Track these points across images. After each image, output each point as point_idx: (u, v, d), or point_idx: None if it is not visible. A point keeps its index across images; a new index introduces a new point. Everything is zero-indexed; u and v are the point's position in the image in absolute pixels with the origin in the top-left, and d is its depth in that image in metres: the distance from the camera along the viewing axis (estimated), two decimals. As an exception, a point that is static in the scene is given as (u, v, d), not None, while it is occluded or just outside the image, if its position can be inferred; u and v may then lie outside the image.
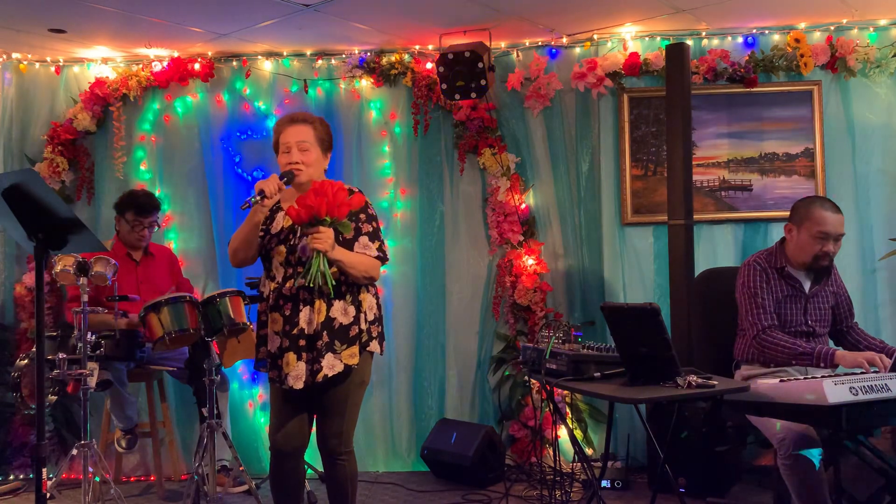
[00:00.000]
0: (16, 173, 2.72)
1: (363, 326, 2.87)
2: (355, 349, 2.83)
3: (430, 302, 4.78)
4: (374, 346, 2.91)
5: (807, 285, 3.28)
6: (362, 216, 2.86)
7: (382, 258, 2.89)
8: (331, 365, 2.78)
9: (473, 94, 4.39)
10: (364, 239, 2.85)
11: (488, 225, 4.75)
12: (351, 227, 2.77)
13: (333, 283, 2.72)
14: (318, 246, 2.66)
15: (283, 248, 2.86)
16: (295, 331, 2.82)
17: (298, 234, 2.83)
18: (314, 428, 2.98)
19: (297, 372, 2.79)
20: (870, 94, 4.55)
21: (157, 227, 4.41)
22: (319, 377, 2.77)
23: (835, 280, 3.37)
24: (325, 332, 2.79)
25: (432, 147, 4.80)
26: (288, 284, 2.83)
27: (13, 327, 4.73)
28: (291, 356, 2.81)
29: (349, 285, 2.84)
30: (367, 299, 2.91)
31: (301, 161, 2.87)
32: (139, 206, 4.25)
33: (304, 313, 2.81)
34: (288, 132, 2.90)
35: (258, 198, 2.76)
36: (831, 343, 3.41)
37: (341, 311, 2.83)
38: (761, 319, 3.20)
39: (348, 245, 2.81)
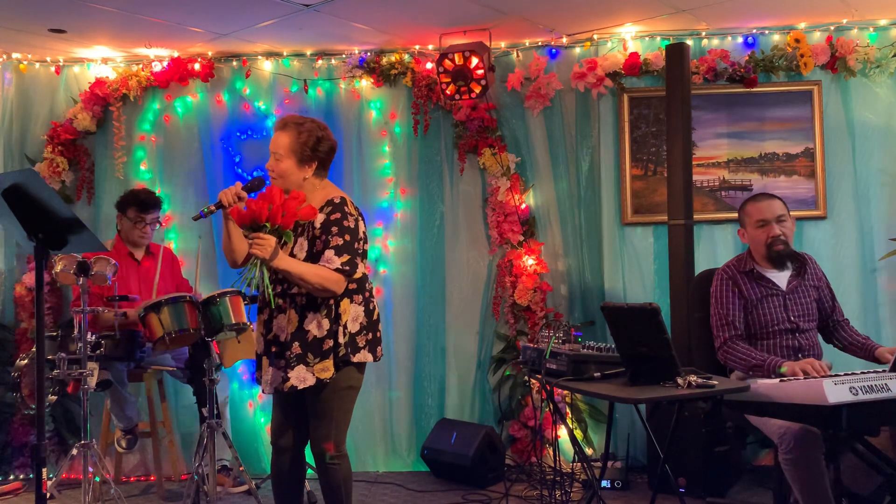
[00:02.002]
0: (16, 173, 2.72)
1: (341, 340, 2.80)
2: (329, 363, 2.78)
3: (430, 302, 4.78)
4: (361, 356, 2.86)
5: (782, 282, 3.26)
6: (334, 228, 2.77)
7: (347, 272, 2.75)
8: (301, 377, 2.76)
9: (473, 94, 4.39)
10: (329, 253, 2.75)
11: (488, 225, 4.75)
12: (293, 236, 2.74)
13: (271, 292, 2.70)
14: (256, 252, 2.63)
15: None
16: (270, 336, 2.83)
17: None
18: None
19: (267, 377, 2.82)
20: (870, 94, 4.54)
21: (158, 226, 4.42)
22: (286, 387, 2.77)
23: (814, 273, 3.35)
24: (295, 343, 2.78)
25: (432, 147, 4.80)
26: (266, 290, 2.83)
27: (13, 327, 4.73)
28: (265, 361, 2.83)
29: (325, 298, 2.80)
30: (351, 310, 2.83)
31: (273, 169, 2.86)
32: (140, 202, 4.26)
33: (278, 321, 2.82)
34: (272, 139, 2.91)
35: (213, 207, 2.75)
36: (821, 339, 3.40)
37: (315, 324, 2.79)
38: (723, 331, 3.22)
39: (314, 259, 2.77)
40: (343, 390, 2.86)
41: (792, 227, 3.30)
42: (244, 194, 2.78)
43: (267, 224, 2.63)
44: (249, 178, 4.76)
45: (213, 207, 2.75)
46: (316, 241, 2.80)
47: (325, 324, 2.79)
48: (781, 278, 3.27)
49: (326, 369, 2.78)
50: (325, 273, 2.72)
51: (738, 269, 3.30)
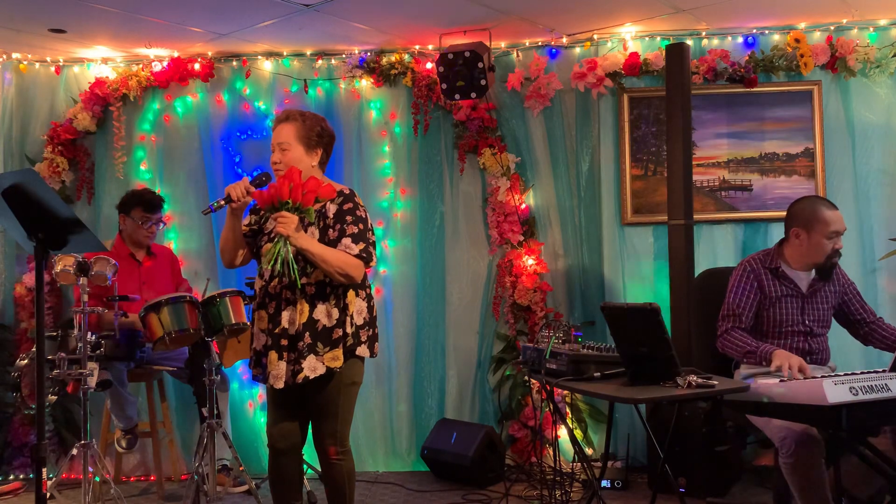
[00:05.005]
0: (16, 173, 2.72)
1: (349, 330, 2.83)
2: (338, 352, 2.81)
3: (430, 302, 4.77)
4: (362, 350, 2.88)
5: (804, 284, 3.27)
6: (349, 217, 2.82)
7: (365, 259, 2.81)
8: (312, 367, 2.77)
9: (473, 94, 4.39)
10: (347, 240, 2.79)
11: (488, 225, 4.75)
12: (314, 214, 2.76)
13: (297, 268, 2.72)
14: (280, 229, 2.68)
15: (270, 246, 2.86)
16: (277, 330, 2.83)
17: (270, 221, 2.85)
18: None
19: (277, 371, 2.80)
20: (870, 94, 4.54)
21: (162, 225, 4.43)
22: (300, 378, 2.77)
23: (837, 279, 3.34)
24: (307, 334, 2.78)
25: (432, 147, 4.80)
26: (273, 283, 2.84)
27: (13, 327, 4.73)
28: (273, 355, 2.82)
29: (334, 287, 2.82)
30: (356, 303, 2.87)
31: (281, 161, 2.88)
32: (146, 202, 4.27)
33: (287, 313, 2.81)
34: (274, 133, 2.93)
35: (221, 202, 2.79)
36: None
37: (324, 314, 2.81)
38: (728, 321, 3.24)
39: (332, 245, 2.79)
40: (347, 386, 2.88)
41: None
42: (252, 188, 2.83)
43: (289, 202, 2.66)
44: (250, 177, 4.79)
45: (221, 202, 2.80)
46: (328, 230, 2.81)
47: (335, 313, 2.81)
48: (803, 279, 3.27)
49: (336, 358, 2.80)
50: (345, 257, 2.77)
51: (763, 264, 3.29)
